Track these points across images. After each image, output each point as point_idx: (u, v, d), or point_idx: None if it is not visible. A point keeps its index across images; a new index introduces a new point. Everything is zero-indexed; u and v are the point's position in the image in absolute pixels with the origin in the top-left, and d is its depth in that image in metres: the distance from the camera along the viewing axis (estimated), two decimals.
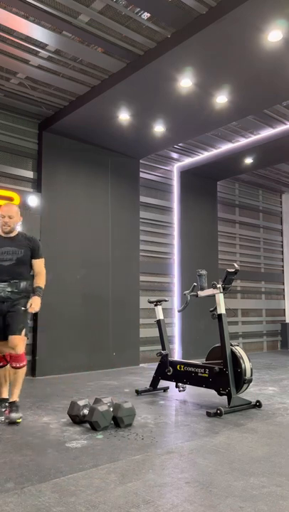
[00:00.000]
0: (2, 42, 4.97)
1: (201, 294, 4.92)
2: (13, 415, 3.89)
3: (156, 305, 5.53)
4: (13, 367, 4.02)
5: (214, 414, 4.16)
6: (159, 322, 5.49)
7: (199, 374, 4.72)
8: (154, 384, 5.32)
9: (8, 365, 4.15)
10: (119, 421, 3.74)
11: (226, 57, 4.87)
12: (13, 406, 4.01)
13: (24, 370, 4.06)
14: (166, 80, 5.31)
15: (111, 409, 3.80)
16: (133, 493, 2.43)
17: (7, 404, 4.09)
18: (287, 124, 7.26)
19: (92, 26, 4.66)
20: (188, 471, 2.76)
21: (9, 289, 4.06)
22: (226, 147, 8.15)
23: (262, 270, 10.86)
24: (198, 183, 9.23)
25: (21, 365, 4.02)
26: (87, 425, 3.79)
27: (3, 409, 4.08)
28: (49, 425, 3.85)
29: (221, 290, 4.67)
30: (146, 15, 4.55)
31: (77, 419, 3.87)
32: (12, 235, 4.23)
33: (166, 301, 5.69)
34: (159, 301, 5.53)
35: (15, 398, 4.06)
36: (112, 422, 3.78)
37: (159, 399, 5.00)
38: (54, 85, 5.90)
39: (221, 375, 4.47)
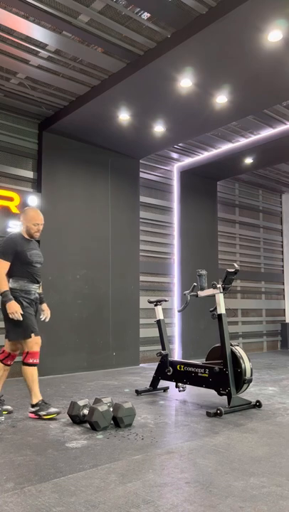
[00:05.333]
0: (2, 42, 4.98)
1: (201, 294, 4.92)
2: (51, 410, 4.07)
3: (156, 305, 5.53)
4: (30, 364, 4.12)
5: (214, 414, 4.16)
6: (159, 322, 5.49)
7: (199, 374, 4.72)
8: (154, 384, 5.32)
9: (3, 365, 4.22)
10: (119, 421, 3.73)
11: (226, 58, 4.87)
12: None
13: None
14: (166, 79, 5.32)
15: (111, 409, 3.80)
16: (133, 493, 2.43)
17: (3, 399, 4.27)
18: (287, 124, 7.26)
19: (92, 26, 4.66)
20: (188, 471, 2.76)
21: (38, 291, 4.29)
22: (226, 147, 8.16)
23: (262, 270, 10.86)
24: (198, 183, 9.23)
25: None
26: (87, 425, 3.79)
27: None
28: (49, 425, 3.86)
29: (221, 290, 4.67)
30: (146, 15, 4.55)
31: (77, 419, 3.87)
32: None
33: (166, 301, 5.69)
34: (159, 301, 5.53)
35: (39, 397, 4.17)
36: (112, 422, 3.78)
37: (159, 399, 5.00)
38: (54, 85, 5.90)
39: (221, 375, 4.46)
